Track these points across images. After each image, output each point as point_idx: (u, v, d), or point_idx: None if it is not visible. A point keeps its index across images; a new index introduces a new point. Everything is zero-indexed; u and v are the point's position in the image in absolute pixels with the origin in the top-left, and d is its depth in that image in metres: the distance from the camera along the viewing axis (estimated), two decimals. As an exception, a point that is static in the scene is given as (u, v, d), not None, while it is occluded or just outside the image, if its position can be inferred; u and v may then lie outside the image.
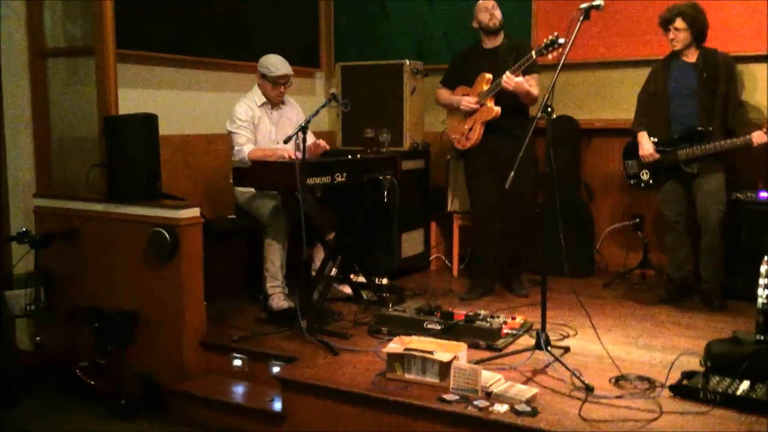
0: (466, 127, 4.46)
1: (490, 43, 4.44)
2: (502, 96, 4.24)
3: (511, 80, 4.10)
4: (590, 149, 5.30)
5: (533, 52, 3.99)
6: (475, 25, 4.45)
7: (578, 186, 5.23)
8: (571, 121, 5.18)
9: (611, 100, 5.18)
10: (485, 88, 4.33)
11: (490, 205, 4.44)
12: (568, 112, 5.20)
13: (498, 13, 4.38)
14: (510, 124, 4.27)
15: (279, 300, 4.13)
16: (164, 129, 4.04)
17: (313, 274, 4.22)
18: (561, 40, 3.74)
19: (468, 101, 4.40)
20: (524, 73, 4.18)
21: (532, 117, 4.55)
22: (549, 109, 3.24)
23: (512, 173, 3.13)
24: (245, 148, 4.17)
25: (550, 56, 3.86)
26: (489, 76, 4.32)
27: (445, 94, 4.62)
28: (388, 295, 4.31)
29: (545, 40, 3.84)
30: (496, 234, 4.52)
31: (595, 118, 5.24)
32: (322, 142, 4.34)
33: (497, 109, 4.28)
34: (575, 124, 5.19)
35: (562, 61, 3.28)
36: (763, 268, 3.24)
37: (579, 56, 4.98)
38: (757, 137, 4.00)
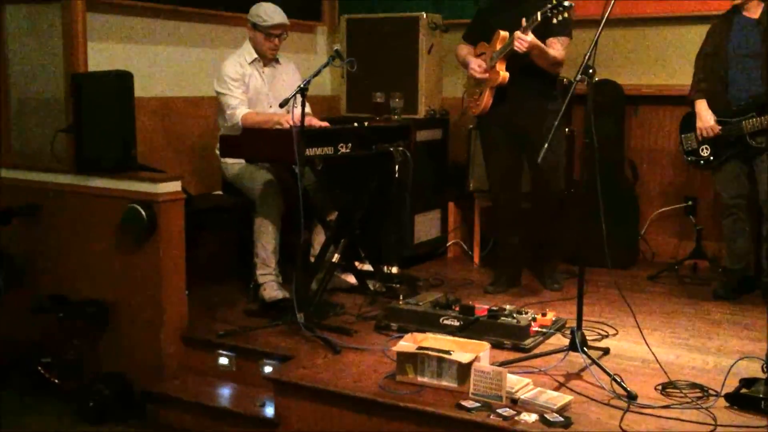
0: (477, 90, 4.44)
1: None
2: (516, 59, 4.15)
3: (523, 41, 3.99)
4: (636, 120, 5.26)
5: (538, 14, 3.89)
6: None
7: (622, 162, 5.20)
8: (614, 86, 5.14)
9: (662, 62, 5.14)
10: (498, 47, 4.25)
11: (505, 181, 4.44)
12: (611, 75, 5.14)
13: None
14: (524, 91, 4.22)
15: (271, 290, 4.14)
16: (141, 90, 4.04)
17: (312, 260, 4.22)
18: (567, 3, 3.67)
19: (474, 66, 4.36)
20: (552, 35, 4.11)
21: (569, 81, 4.52)
22: (590, 71, 3.20)
23: (546, 145, 3.16)
24: (238, 111, 4.16)
25: (554, 20, 3.82)
26: (504, 33, 4.20)
27: (463, 50, 4.54)
28: (398, 285, 4.32)
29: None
30: (514, 215, 4.52)
31: (643, 83, 5.20)
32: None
33: (503, 74, 4.21)
34: (619, 90, 5.14)
35: (607, 14, 3.23)
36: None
37: (622, 10, 4.73)
38: None
